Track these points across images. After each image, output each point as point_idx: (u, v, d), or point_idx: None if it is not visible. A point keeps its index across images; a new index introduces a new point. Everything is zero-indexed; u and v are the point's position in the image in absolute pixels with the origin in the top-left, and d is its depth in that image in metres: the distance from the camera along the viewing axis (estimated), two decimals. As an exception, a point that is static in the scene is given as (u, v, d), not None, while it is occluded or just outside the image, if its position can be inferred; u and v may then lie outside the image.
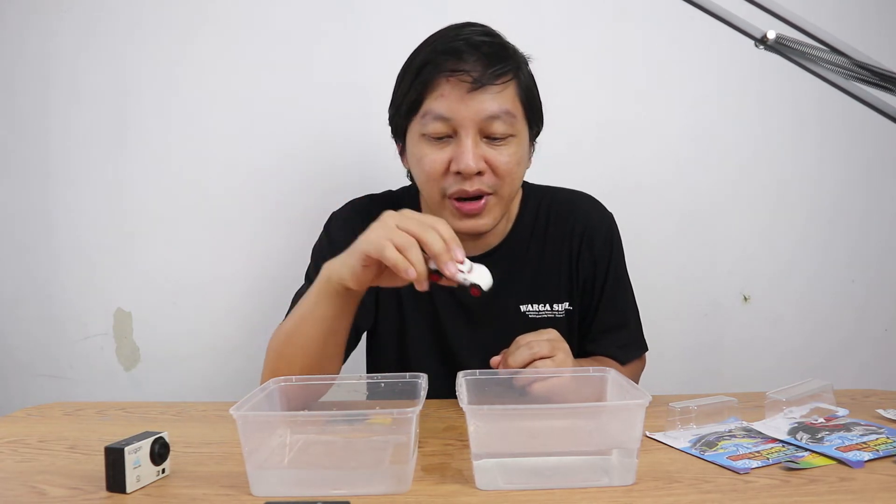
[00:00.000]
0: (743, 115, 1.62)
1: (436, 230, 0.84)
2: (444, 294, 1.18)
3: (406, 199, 1.22)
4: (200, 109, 1.59)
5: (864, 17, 1.60)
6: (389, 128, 1.16)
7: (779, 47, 0.73)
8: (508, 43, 1.09)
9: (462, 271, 0.84)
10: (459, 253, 0.85)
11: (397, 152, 1.17)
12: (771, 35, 0.72)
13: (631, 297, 1.24)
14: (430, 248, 0.83)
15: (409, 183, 1.23)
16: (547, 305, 1.18)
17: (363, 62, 1.57)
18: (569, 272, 1.19)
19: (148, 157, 1.60)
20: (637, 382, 1.22)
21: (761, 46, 0.74)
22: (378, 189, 1.28)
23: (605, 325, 1.20)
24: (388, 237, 0.84)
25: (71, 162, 1.61)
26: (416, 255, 0.83)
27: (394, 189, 1.27)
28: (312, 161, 1.59)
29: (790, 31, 0.72)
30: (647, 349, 1.24)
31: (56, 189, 1.61)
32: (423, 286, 0.84)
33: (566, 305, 1.19)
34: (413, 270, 0.83)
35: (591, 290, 1.20)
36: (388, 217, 0.87)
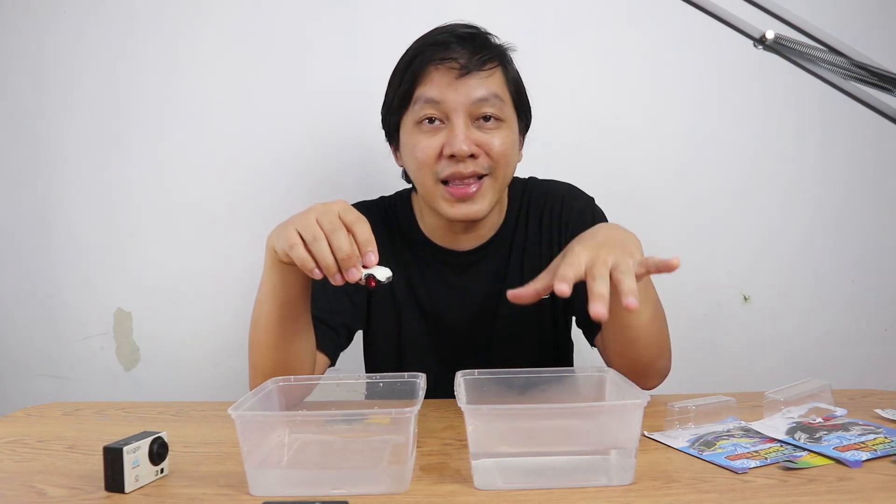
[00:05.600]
0: (743, 116, 1.62)
1: (352, 231, 0.84)
2: (441, 290, 1.18)
3: (399, 204, 1.24)
4: (199, 110, 1.59)
5: (863, 17, 1.59)
6: (383, 131, 1.17)
7: (778, 47, 0.73)
8: (492, 35, 1.13)
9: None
10: (373, 256, 0.85)
11: (391, 153, 1.19)
12: (770, 35, 0.72)
13: None
14: (336, 254, 0.83)
15: (403, 187, 1.24)
16: None
17: (361, 64, 1.56)
18: (550, 257, 1.19)
19: (147, 157, 1.60)
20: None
21: (760, 46, 0.74)
22: (375, 190, 1.29)
23: None
24: (302, 231, 0.84)
25: (70, 162, 1.61)
26: (323, 254, 0.83)
27: (387, 195, 1.27)
28: (311, 162, 1.59)
29: (789, 31, 0.72)
30: None
31: (55, 189, 1.62)
32: (335, 281, 0.85)
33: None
34: (318, 272, 0.84)
35: None
36: (312, 209, 0.86)
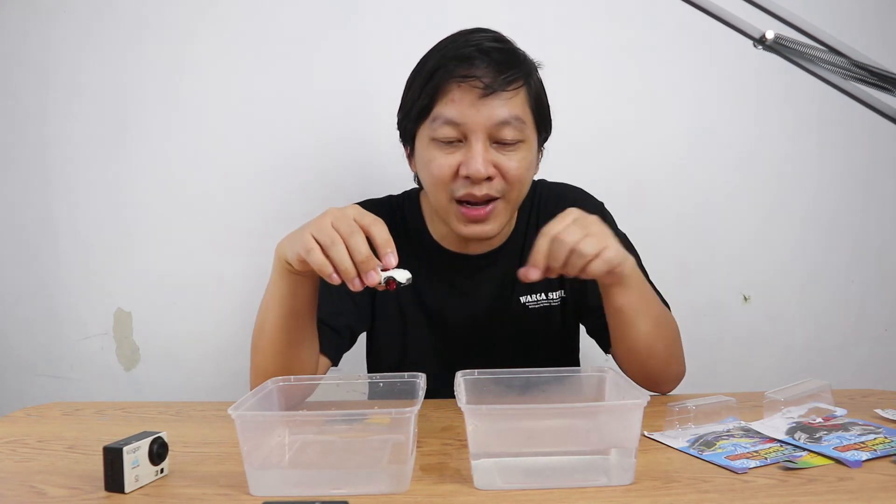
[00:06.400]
0: (742, 115, 1.62)
1: (369, 234, 0.84)
2: (448, 294, 1.18)
3: (406, 204, 1.23)
4: (201, 110, 1.59)
5: (863, 18, 1.60)
6: (398, 132, 1.16)
7: (777, 47, 0.73)
8: (519, 49, 1.09)
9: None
10: (392, 258, 0.84)
11: (404, 155, 1.17)
12: (769, 35, 0.72)
13: (642, 268, 1.18)
14: (352, 257, 0.82)
15: (412, 187, 1.24)
16: (543, 295, 1.19)
17: (365, 65, 1.56)
18: None
19: (148, 157, 1.60)
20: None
21: (760, 47, 0.74)
22: (377, 190, 1.28)
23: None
24: (318, 236, 0.84)
25: (71, 162, 1.61)
26: (341, 259, 0.82)
27: (395, 194, 1.27)
28: (313, 162, 1.59)
29: (789, 32, 0.72)
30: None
31: (56, 189, 1.62)
32: (354, 286, 0.84)
33: (561, 293, 1.20)
34: (336, 277, 0.83)
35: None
36: (328, 213, 0.86)
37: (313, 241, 0.84)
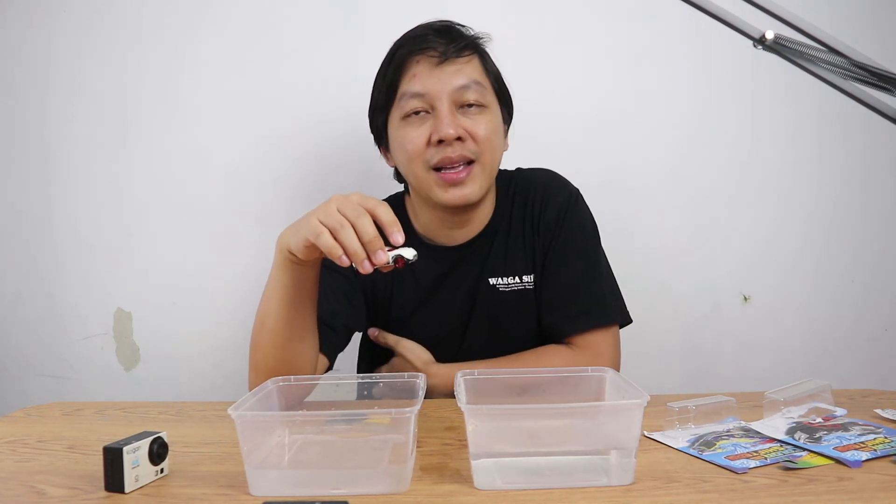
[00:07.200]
0: (742, 116, 1.62)
1: (375, 215, 0.86)
2: (437, 286, 1.19)
3: (392, 205, 1.23)
4: (201, 110, 1.59)
5: (863, 18, 1.59)
6: (372, 135, 1.20)
7: (777, 47, 0.73)
8: (466, 27, 1.17)
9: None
10: (399, 235, 0.86)
11: (381, 157, 1.22)
12: (769, 35, 0.73)
13: (592, 268, 1.20)
14: (360, 238, 0.84)
15: (399, 187, 1.24)
16: (516, 278, 1.20)
17: (364, 63, 1.55)
18: (532, 243, 1.21)
19: (148, 157, 1.60)
20: (607, 356, 1.15)
21: (760, 47, 0.74)
22: (377, 191, 1.28)
23: (556, 294, 1.18)
24: (325, 220, 0.86)
25: (71, 162, 1.61)
26: (350, 241, 0.84)
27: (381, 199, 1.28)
28: (313, 162, 1.59)
29: (789, 32, 0.72)
30: (614, 321, 1.18)
31: (57, 189, 1.62)
32: (363, 268, 0.85)
33: (533, 277, 1.20)
34: (346, 259, 0.85)
35: (544, 260, 1.20)
36: (332, 199, 0.88)
37: (321, 225, 0.85)
